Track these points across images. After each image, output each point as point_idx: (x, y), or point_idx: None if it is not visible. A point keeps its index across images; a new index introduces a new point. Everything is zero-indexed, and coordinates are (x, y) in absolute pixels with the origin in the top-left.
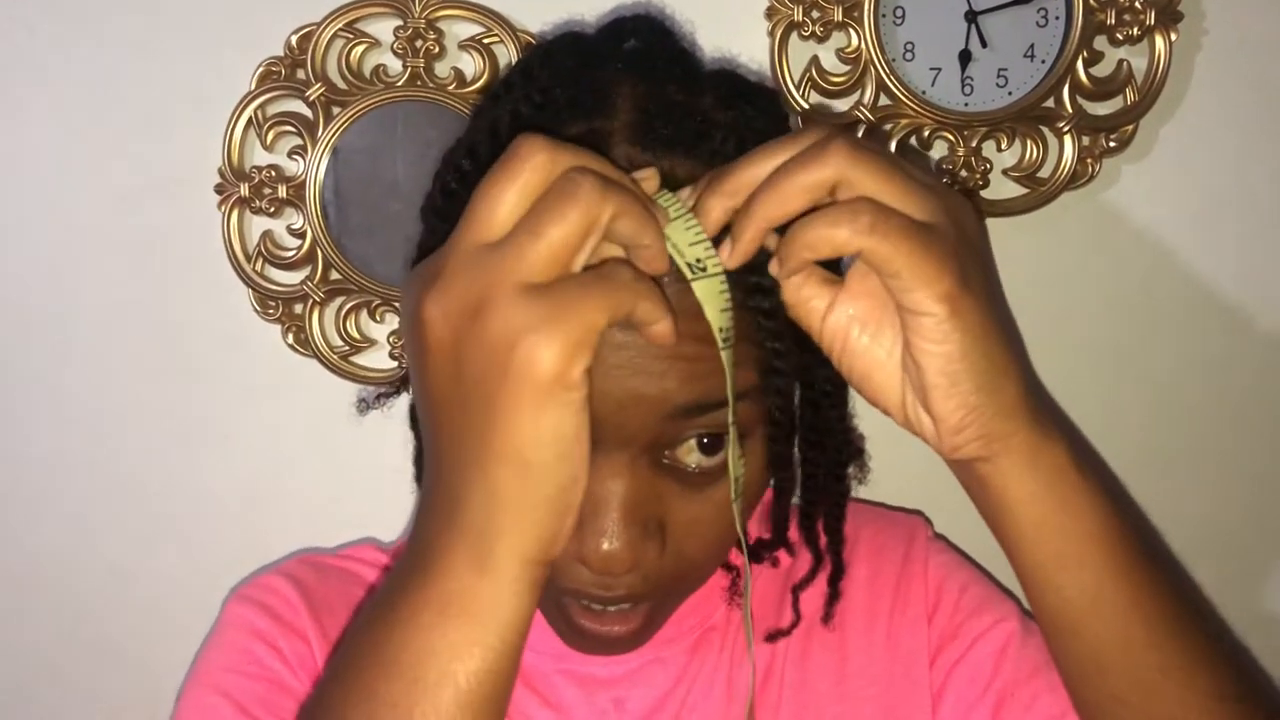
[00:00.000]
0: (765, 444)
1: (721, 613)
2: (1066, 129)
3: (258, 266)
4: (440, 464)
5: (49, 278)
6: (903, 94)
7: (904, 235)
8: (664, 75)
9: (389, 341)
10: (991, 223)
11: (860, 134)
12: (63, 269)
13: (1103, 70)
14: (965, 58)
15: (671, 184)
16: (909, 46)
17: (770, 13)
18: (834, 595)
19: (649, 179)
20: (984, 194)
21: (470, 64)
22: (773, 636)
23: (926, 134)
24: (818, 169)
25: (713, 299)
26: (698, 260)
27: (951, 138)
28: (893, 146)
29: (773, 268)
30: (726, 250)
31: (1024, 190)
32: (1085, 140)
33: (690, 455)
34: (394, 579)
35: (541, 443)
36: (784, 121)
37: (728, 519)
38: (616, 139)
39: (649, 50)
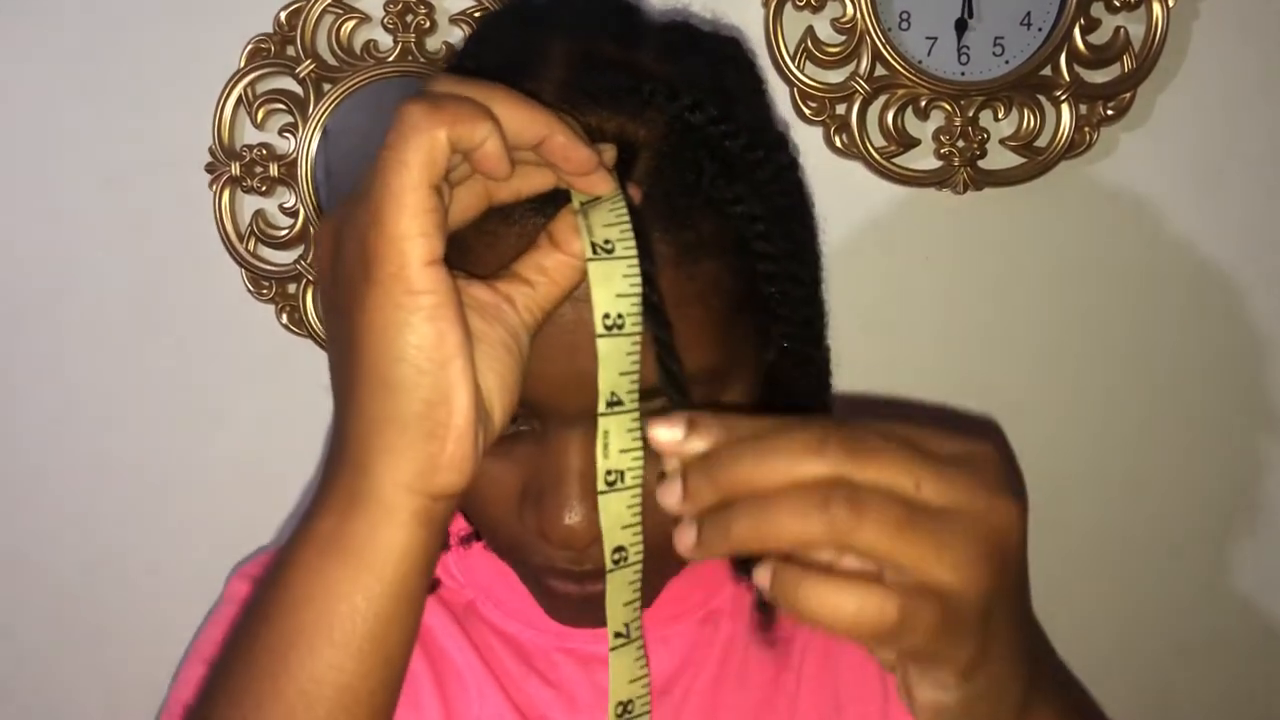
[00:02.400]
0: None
1: (729, 592)
2: (1064, 97)
3: (250, 246)
4: (334, 400)
5: (40, 261)
6: (899, 64)
7: (929, 628)
8: (600, 30)
9: None
10: (989, 192)
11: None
12: (54, 252)
13: (1100, 38)
14: (961, 26)
15: (600, 139)
16: (904, 15)
17: None
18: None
19: (607, 151)
20: (981, 164)
21: (462, 38)
22: (764, 605)
23: (923, 104)
24: (816, 524)
25: (610, 281)
26: (606, 241)
27: (948, 107)
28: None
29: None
30: (688, 539)
31: (1021, 159)
32: (1083, 109)
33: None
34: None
35: (397, 356)
36: (747, 71)
37: None
38: (545, 99)
39: (589, 7)
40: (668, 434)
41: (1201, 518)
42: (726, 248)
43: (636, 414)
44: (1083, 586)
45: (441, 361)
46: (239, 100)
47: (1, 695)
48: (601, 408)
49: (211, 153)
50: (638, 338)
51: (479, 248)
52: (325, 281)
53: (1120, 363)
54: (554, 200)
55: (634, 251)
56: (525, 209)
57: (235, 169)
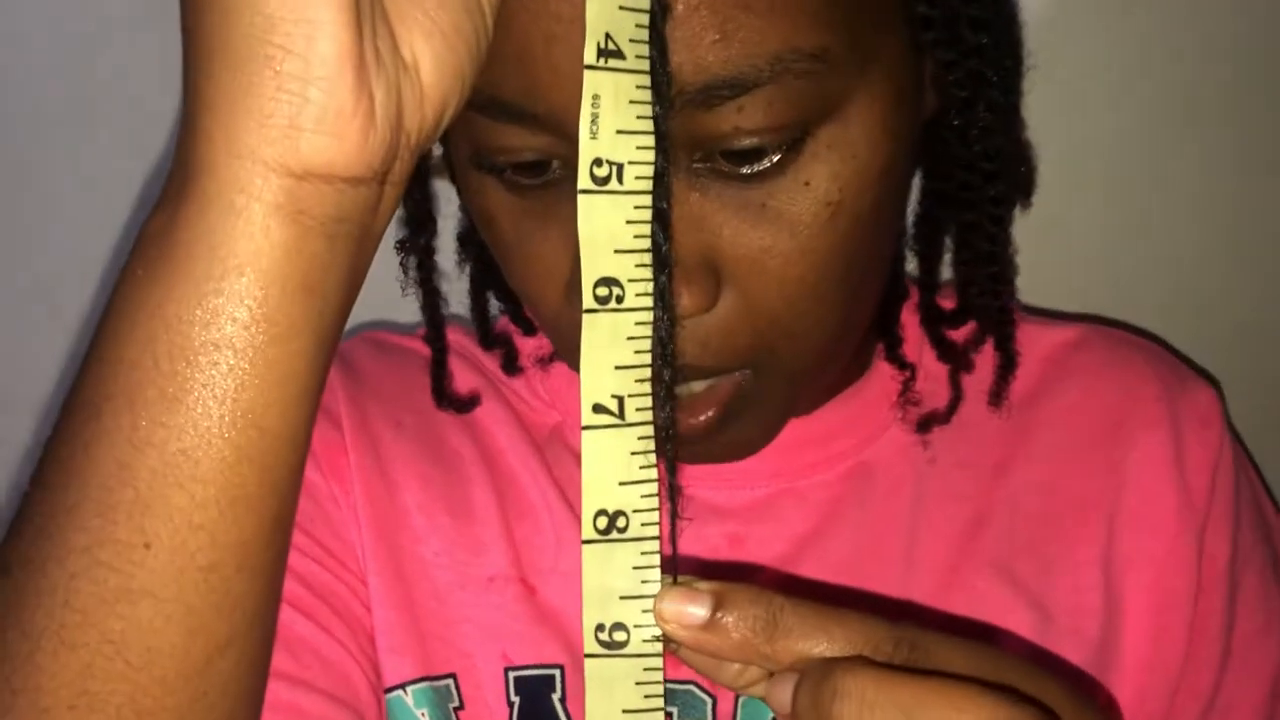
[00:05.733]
0: (876, 132)
1: (891, 435)
2: None
3: None
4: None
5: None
6: None
7: None
8: None
9: None
10: None
11: None
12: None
13: None
14: None
15: None
16: None
17: None
18: (1007, 364)
19: None
20: None
21: None
22: (924, 423)
23: None
24: None
25: None
26: None
27: None
28: None
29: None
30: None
31: None
32: None
33: (737, 141)
34: None
35: None
36: None
37: (818, 245)
38: None
39: None
40: (688, 612)
41: None
42: None
43: (645, 77)
44: None
45: None
46: None
47: None
48: (590, 57)
49: None
50: None
51: None
52: None
53: None
54: None
55: None
56: None
57: None
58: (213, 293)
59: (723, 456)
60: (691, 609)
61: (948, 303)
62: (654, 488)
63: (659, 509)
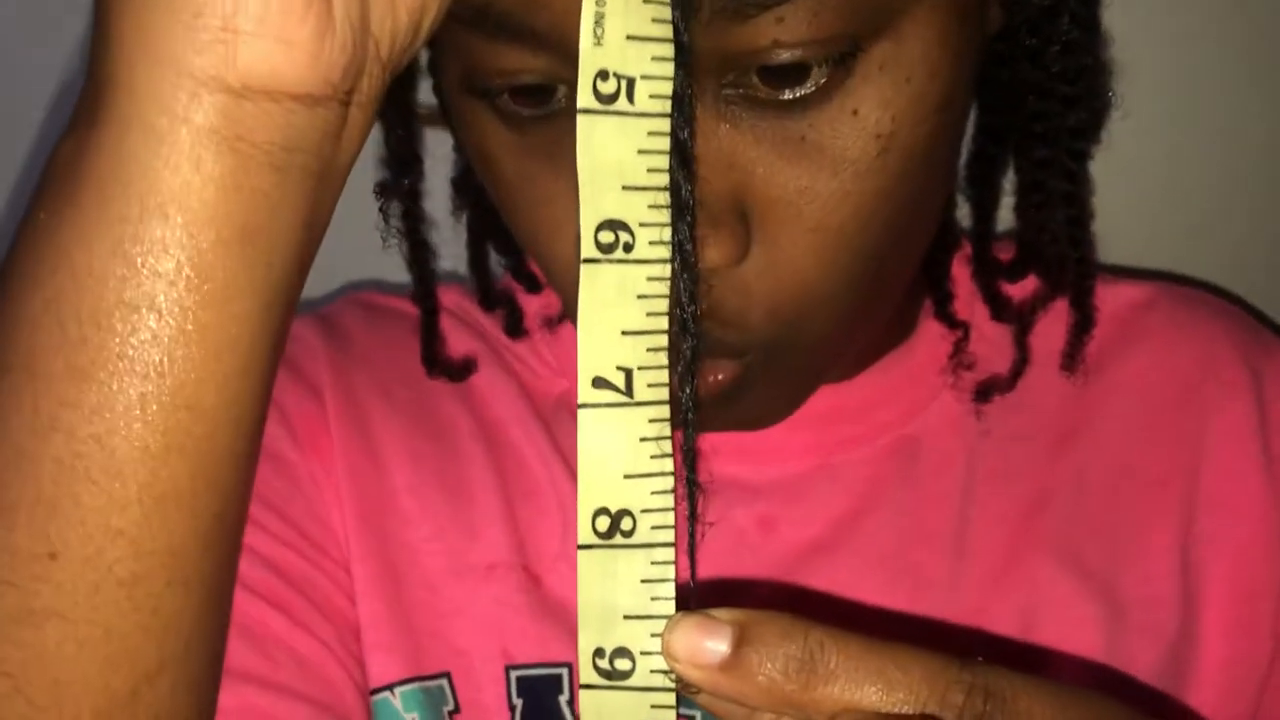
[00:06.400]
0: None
1: (940, 404)
2: None
3: None
4: None
5: None
6: None
7: None
8: None
9: None
10: None
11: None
12: None
13: None
14: None
15: None
16: None
17: None
18: (1084, 322)
19: None
20: None
21: None
22: (984, 391)
23: None
24: None
25: None
26: None
27: None
28: None
29: None
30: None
31: None
32: None
33: (775, 56)
34: None
35: None
36: None
37: (863, 187)
38: None
39: None
40: (704, 648)
41: None
42: None
43: None
44: None
45: None
46: None
47: None
48: None
49: None
50: None
51: None
52: None
53: None
54: None
55: None
56: None
57: None
58: (130, 239)
59: (741, 424)
60: (708, 644)
61: (1003, 254)
62: (668, 483)
63: (674, 509)
